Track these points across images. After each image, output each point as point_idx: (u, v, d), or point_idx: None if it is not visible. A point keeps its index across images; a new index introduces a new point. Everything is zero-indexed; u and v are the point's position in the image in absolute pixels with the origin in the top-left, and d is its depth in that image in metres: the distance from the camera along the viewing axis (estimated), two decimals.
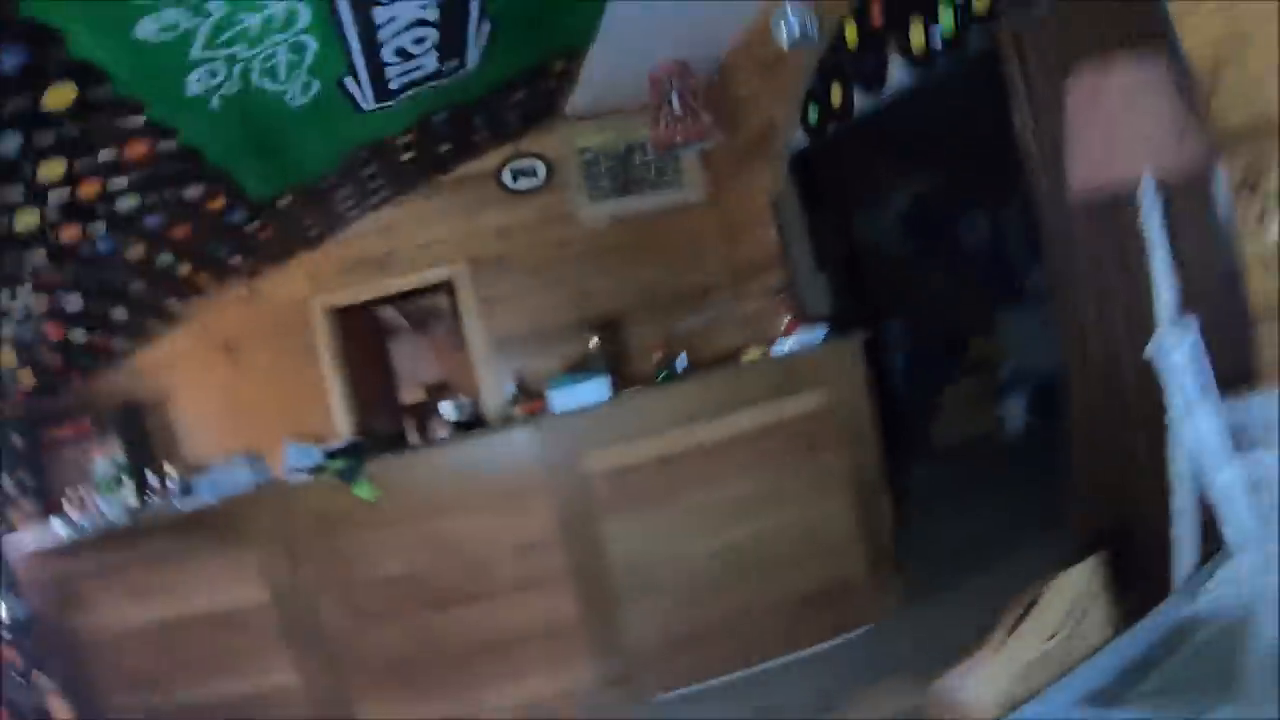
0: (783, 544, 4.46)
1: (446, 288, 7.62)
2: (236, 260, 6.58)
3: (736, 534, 4.41)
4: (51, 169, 3.89)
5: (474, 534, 4.30)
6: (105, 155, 4.03)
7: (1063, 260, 3.87)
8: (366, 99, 4.78)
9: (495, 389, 7.28)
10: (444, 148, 6.61)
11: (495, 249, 7.41)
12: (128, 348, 7.16)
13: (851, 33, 5.31)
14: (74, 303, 5.60)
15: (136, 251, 5.30)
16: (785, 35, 4.74)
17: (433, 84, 5.01)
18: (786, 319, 4.97)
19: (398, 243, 7.35)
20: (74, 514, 5.20)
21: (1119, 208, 3.20)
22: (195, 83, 3.77)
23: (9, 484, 6.72)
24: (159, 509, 4.82)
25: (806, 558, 4.49)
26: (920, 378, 9.15)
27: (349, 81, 4.48)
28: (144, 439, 7.33)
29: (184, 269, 6.08)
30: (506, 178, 7.42)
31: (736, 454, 4.41)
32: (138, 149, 4.10)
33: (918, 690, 2.96)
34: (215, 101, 3.99)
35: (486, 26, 4.61)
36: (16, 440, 6.99)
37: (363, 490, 4.22)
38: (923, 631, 4.22)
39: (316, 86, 4.35)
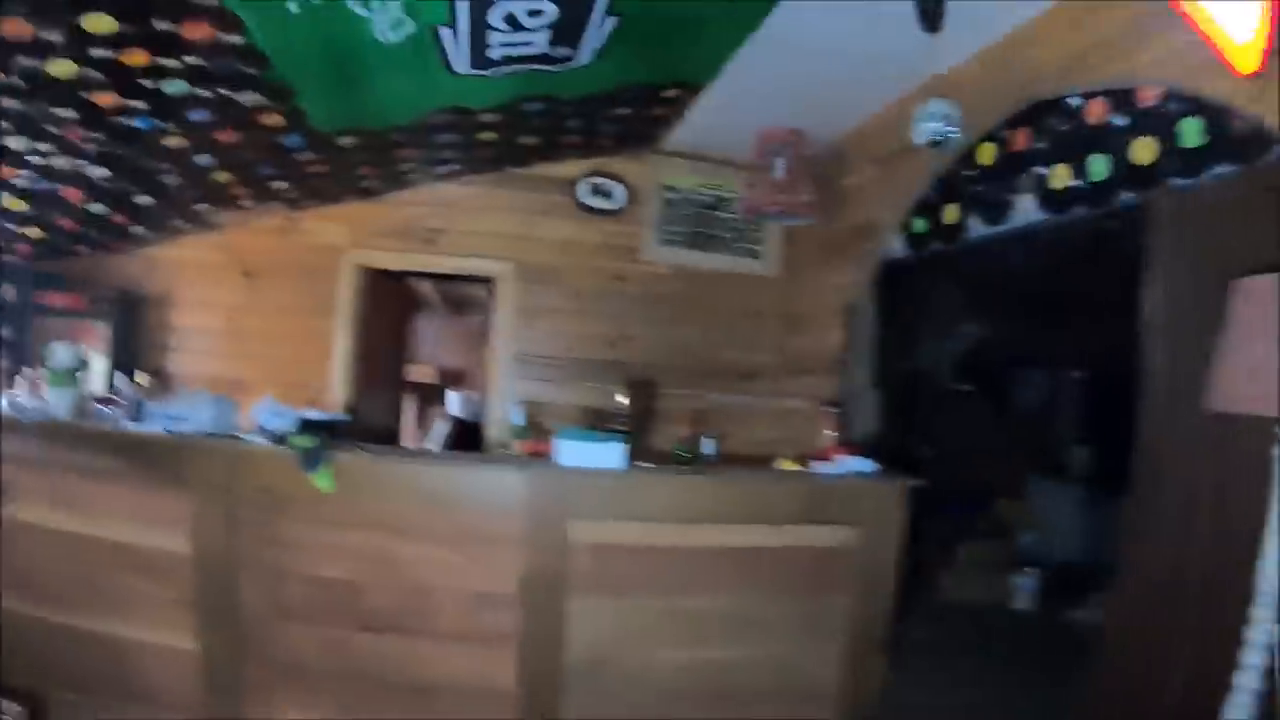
0: (760, 676, 3.99)
1: (488, 283, 7.18)
2: (280, 186, 6.19)
3: (712, 653, 3.95)
4: (97, 22, 3.53)
5: (429, 564, 3.84)
6: (160, 25, 3.64)
7: (1157, 458, 3.65)
8: (461, 59, 4.36)
9: (503, 404, 6.89)
10: (528, 140, 6.19)
11: (548, 260, 7.04)
12: (145, 237, 6.86)
13: (986, 153, 4.89)
14: (98, 173, 5.26)
15: (175, 141, 4.92)
16: (923, 131, 4.28)
17: (535, 67, 4.58)
18: (829, 436, 4.52)
19: (451, 222, 6.99)
20: (23, 393, 4.94)
21: (1241, 430, 3.00)
22: None
23: None
24: (106, 420, 4.44)
25: (780, 698, 4.01)
26: (939, 523, 8.59)
27: (446, 34, 4.05)
28: (134, 333, 7.07)
29: (222, 176, 5.71)
30: (583, 191, 7.02)
31: (738, 567, 3.94)
32: (198, 31, 3.71)
33: None
34: (294, 4, 3.56)
35: (610, 24, 4.18)
36: (7, 291, 6.73)
37: (321, 480, 3.76)
38: None
39: (409, 27, 3.92)
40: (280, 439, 3.93)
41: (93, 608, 4.27)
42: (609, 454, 3.92)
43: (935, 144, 4.28)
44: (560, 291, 7.01)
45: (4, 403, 4.63)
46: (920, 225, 5.51)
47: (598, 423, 5.93)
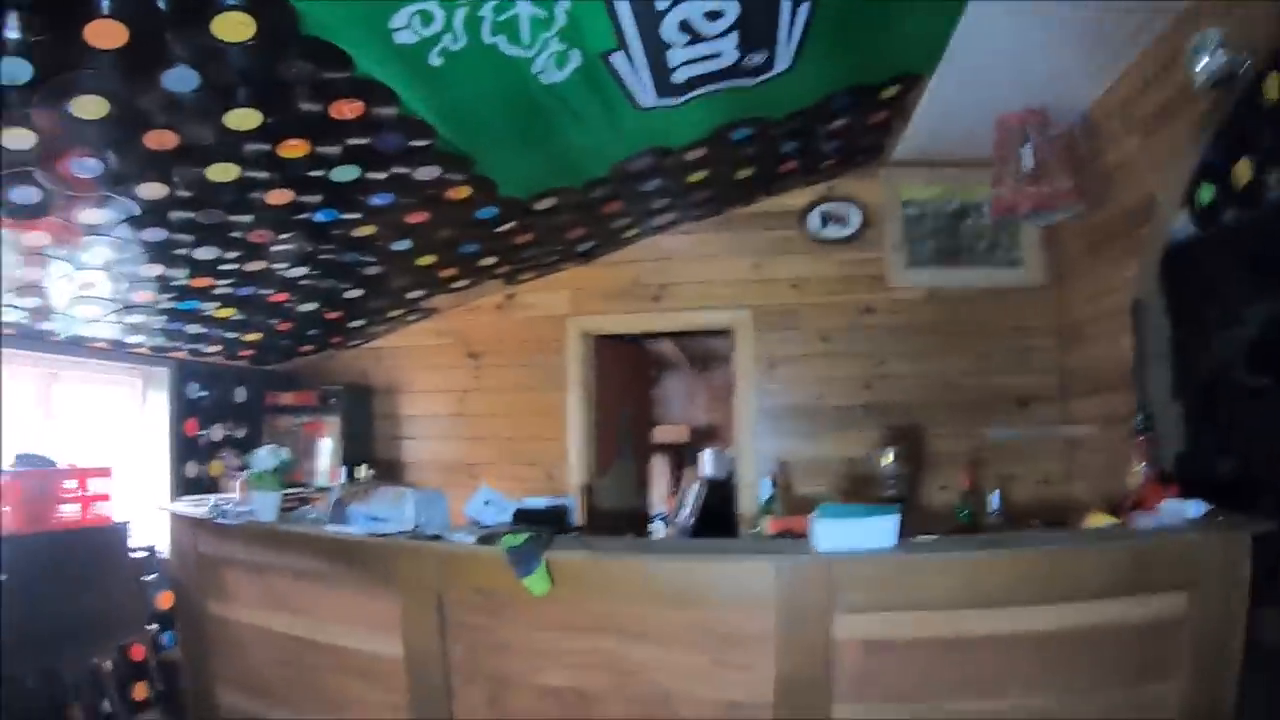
0: None
1: (726, 335, 6.67)
2: (489, 261, 5.89)
3: None
4: (239, 119, 3.29)
5: (668, 670, 3.25)
6: (307, 107, 3.34)
7: None
8: (644, 89, 3.85)
9: (752, 463, 6.34)
10: (742, 173, 5.62)
11: (786, 301, 6.39)
12: (365, 329, 6.84)
13: (1275, 86, 3.92)
14: (296, 273, 5.16)
15: (365, 230, 4.70)
16: (1204, 69, 3.49)
17: (730, 84, 4.00)
18: (1141, 472, 3.71)
19: (676, 276, 6.51)
20: (234, 496, 4.89)
21: None
22: (403, 29, 2.96)
23: (218, 434, 6.83)
24: (309, 524, 4.21)
25: None
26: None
27: (619, 61, 3.55)
28: (365, 424, 7.11)
29: (425, 259, 5.47)
30: (814, 222, 6.35)
31: (1035, 658, 3.09)
32: (347, 109, 3.39)
33: None
34: (435, 58, 3.15)
35: (804, 12, 3.56)
36: (239, 393, 7.04)
37: (535, 583, 3.25)
38: None
39: (576, 60, 3.45)
40: (489, 538, 3.49)
41: (310, 708, 4.15)
42: (878, 532, 3.13)
43: (1221, 82, 3.47)
44: (803, 334, 6.35)
45: (211, 506, 4.62)
46: (1207, 194, 4.50)
47: (860, 488, 5.25)
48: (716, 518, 7.36)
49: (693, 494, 8.58)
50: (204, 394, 6.70)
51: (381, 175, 4.03)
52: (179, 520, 4.80)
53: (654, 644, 3.24)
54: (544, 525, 3.55)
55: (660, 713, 3.24)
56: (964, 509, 4.22)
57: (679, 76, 3.79)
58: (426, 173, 4.14)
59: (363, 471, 5.41)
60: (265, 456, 4.35)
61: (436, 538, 3.63)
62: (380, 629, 3.81)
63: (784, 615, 3.09)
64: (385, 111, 3.45)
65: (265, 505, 4.27)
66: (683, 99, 4.04)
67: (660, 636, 3.23)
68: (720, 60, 3.74)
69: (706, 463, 9.35)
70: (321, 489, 5.00)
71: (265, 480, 4.30)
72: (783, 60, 3.91)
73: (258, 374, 7.17)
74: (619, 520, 6.83)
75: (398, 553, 3.73)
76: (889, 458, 5.02)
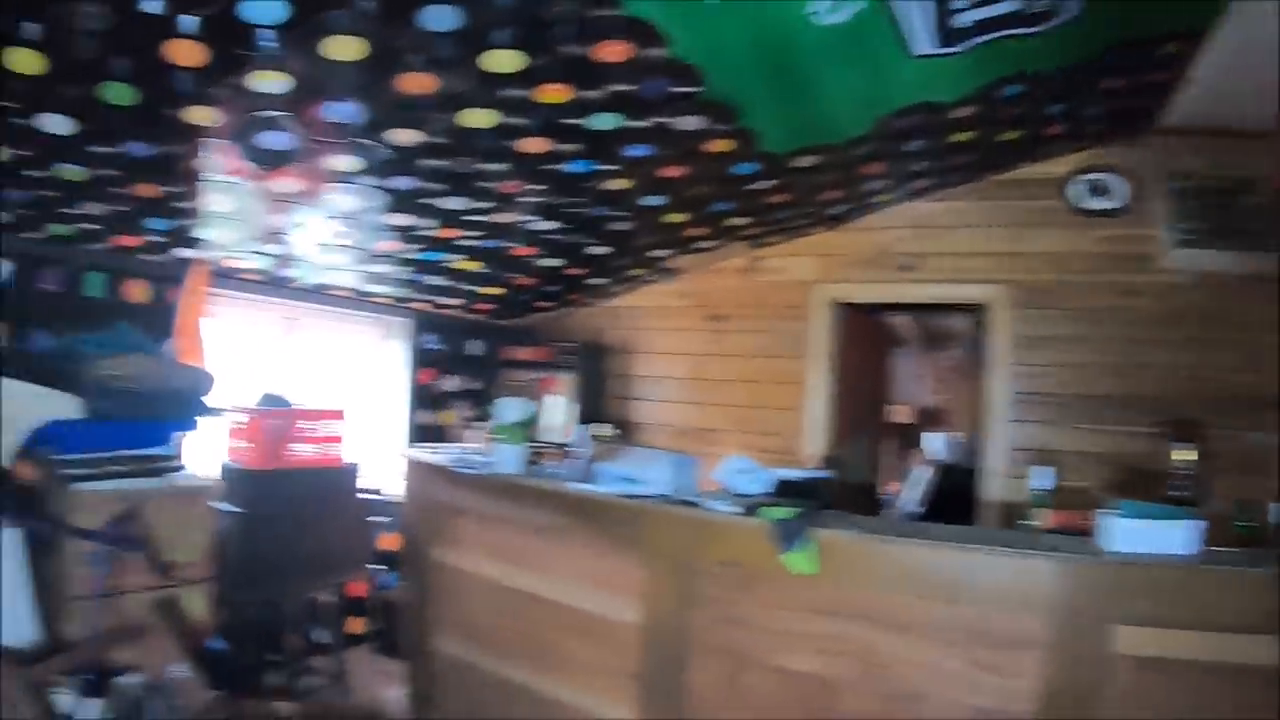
0: None
1: (974, 311, 6.35)
2: (739, 222, 5.76)
3: None
4: (499, 59, 3.24)
5: (921, 668, 3.04)
6: (569, 51, 3.26)
7: None
8: (923, 35, 3.58)
9: (1001, 452, 5.95)
10: (1007, 135, 5.24)
11: (1043, 278, 5.92)
12: (605, 287, 6.87)
13: None
14: (545, 226, 5.17)
15: (618, 183, 4.62)
16: None
17: (1008, 32, 3.70)
18: None
19: (929, 245, 6.16)
20: (475, 446, 5.16)
21: None
22: None
23: (452, 384, 7.12)
24: (556, 478, 4.17)
25: None
26: None
27: (901, 4, 3.33)
28: (598, 383, 7.19)
29: (675, 216, 5.37)
30: (1077, 191, 5.88)
31: None
32: (613, 51, 3.28)
33: None
34: None
35: None
36: (474, 346, 7.31)
37: (799, 561, 3.12)
38: None
39: (856, 2, 3.27)
40: (752, 509, 3.37)
41: (532, 664, 4.18)
42: (1179, 537, 2.83)
43: None
44: (1060, 315, 5.87)
45: (452, 455, 4.69)
46: None
47: (1136, 485, 4.85)
48: (948, 504, 7.11)
49: (922, 478, 8.32)
50: (440, 345, 6.89)
51: (643, 124, 3.92)
52: (416, 466, 4.91)
53: (908, 637, 3.05)
54: (804, 499, 3.40)
55: (905, 711, 3.06)
56: (1245, 518, 3.81)
57: (962, 20, 3.52)
58: (689, 123, 4.00)
59: (606, 430, 5.41)
60: (511, 409, 4.35)
61: (691, 503, 3.54)
62: (618, 592, 3.79)
63: (1058, 620, 2.84)
64: (653, 53, 3.32)
65: (509, 457, 4.29)
66: (961, 47, 3.74)
67: (916, 630, 3.03)
68: (1004, 4, 3.46)
69: (937, 446, 9.05)
70: (559, 445, 4.99)
71: (510, 433, 4.31)
72: (1071, 6, 3.59)
73: (493, 328, 7.31)
74: (852, 498, 6.60)
75: (648, 516, 3.67)
76: (1187, 454, 4.61)
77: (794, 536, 3.12)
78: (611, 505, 3.79)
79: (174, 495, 4.21)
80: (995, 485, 5.91)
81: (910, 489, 8.36)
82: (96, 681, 3.37)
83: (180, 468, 4.43)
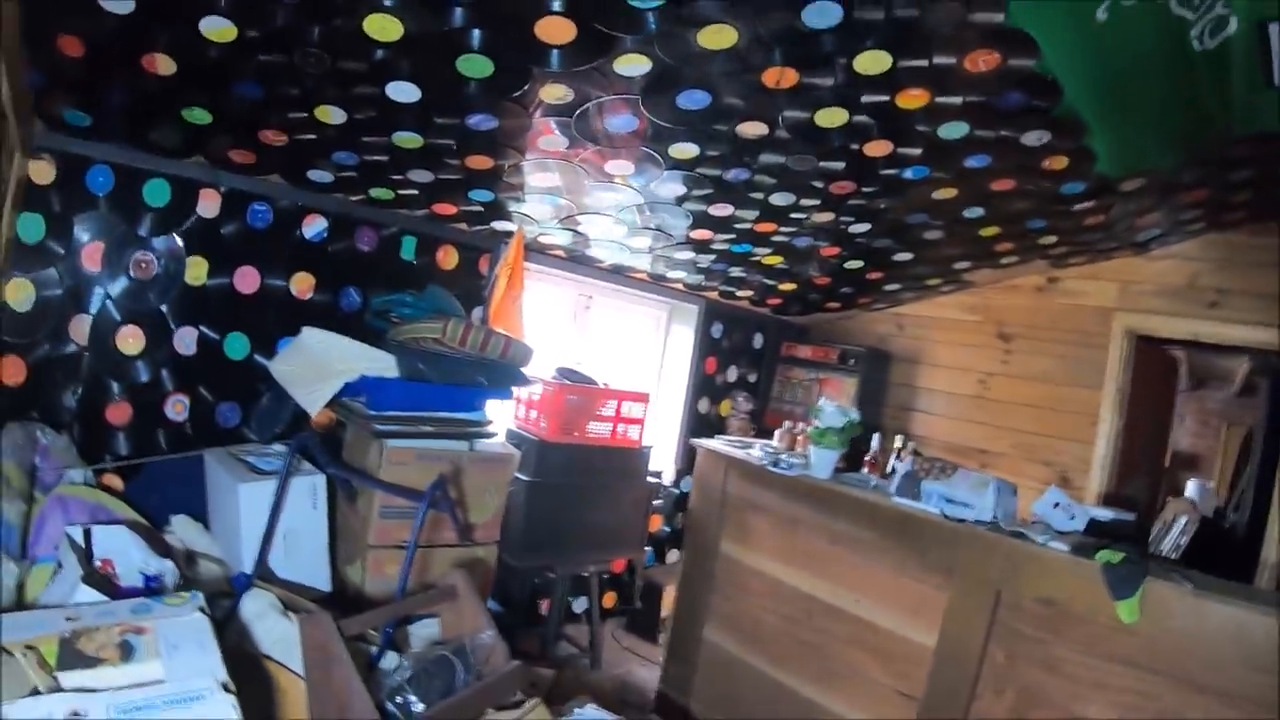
0: None
1: (1249, 352, 5.84)
2: (1048, 241, 5.53)
3: None
4: (868, 60, 3.18)
5: None
6: (941, 57, 3.18)
7: None
8: None
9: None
10: None
11: None
12: (897, 294, 6.73)
13: None
14: (860, 229, 5.10)
15: (945, 191, 4.51)
16: None
17: None
18: None
19: (1227, 281, 5.68)
20: (778, 445, 5.22)
21: None
22: None
23: (732, 374, 7.13)
24: (872, 491, 4.12)
25: None
26: None
27: (1275, 29, 3.09)
28: (879, 391, 7.05)
29: (990, 230, 5.20)
30: None
31: None
32: (984, 60, 3.19)
33: None
34: (1102, 13, 2.88)
35: None
36: (757, 339, 7.29)
37: (1127, 609, 2.97)
38: None
39: (1232, 26, 3.02)
40: (1083, 549, 3.23)
41: (805, 670, 4.23)
42: None
43: None
44: None
45: (756, 451, 4.73)
46: None
47: None
48: (1206, 556, 6.65)
49: (1179, 525, 7.82)
50: (725, 335, 6.85)
51: (988, 134, 3.80)
52: (711, 456, 4.91)
53: (1217, 704, 2.84)
54: (1118, 541, 3.25)
55: None
56: None
57: None
58: (1033, 138, 3.85)
59: (900, 443, 5.33)
60: (833, 414, 4.32)
61: (1019, 534, 3.43)
62: (919, 613, 3.74)
63: None
64: (1018, 64, 3.20)
65: (823, 461, 4.27)
66: None
67: (1231, 700, 2.80)
68: None
69: (1194, 495, 8.52)
70: (874, 454, 4.95)
71: (828, 438, 4.29)
72: None
73: (777, 323, 7.26)
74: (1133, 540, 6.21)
75: (966, 540, 3.60)
76: None
77: (1126, 583, 2.98)
78: (929, 525, 3.73)
79: (480, 460, 4.34)
80: (1274, 550, 5.35)
81: (1167, 535, 7.90)
82: (394, 636, 3.50)
83: (492, 434, 4.56)
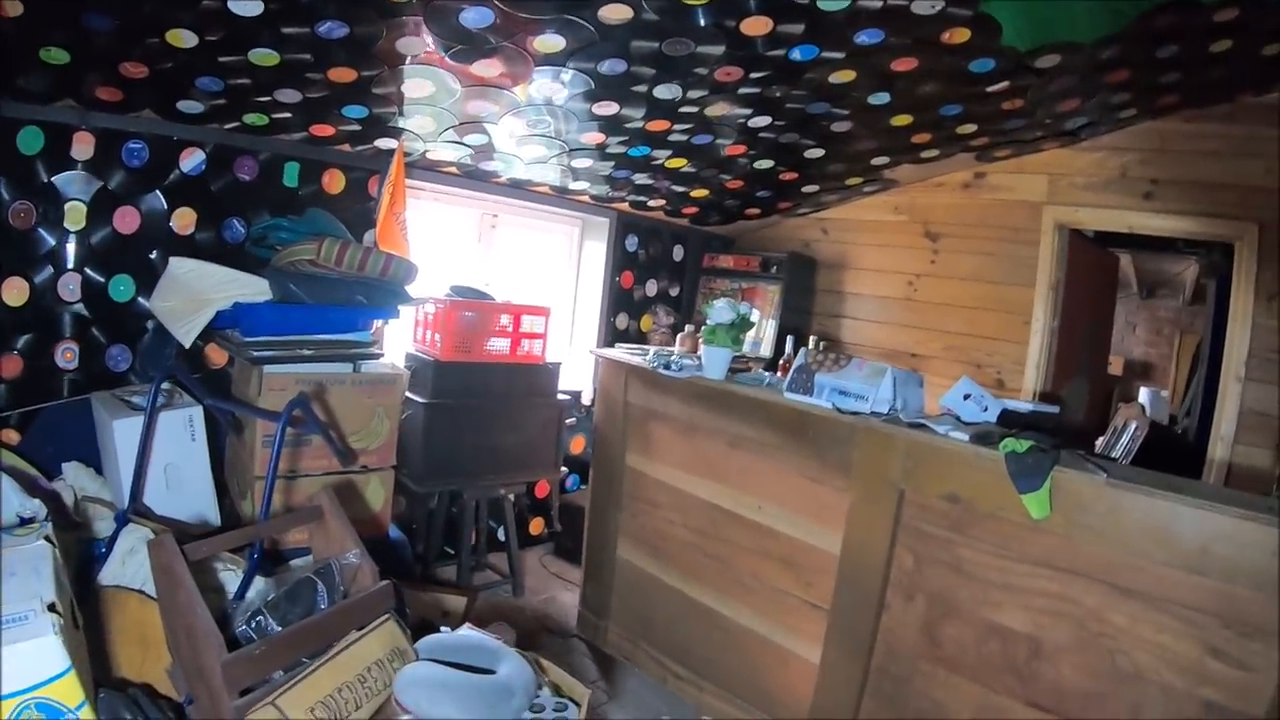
0: None
1: (1202, 258, 5.64)
2: (967, 130, 5.28)
3: None
4: None
5: (1147, 646, 2.62)
6: None
7: None
8: None
9: (1233, 411, 5.20)
10: (1272, 49, 4.42)
11: None
12: (817, 196, 6.53)
13: None
14: (759, 122, 4.87)
15: (842, 75, 4.23)
16: None
17: None
18: None
19: (1166, 170, 5.43)
20: (679, 349, 5.17)
21: None
22: None
23: (651, 289, 6.98)
24: (764, 388, 3.94)
25: None
26: None
27: None
28: (804, 298, 6.91)
29: (902, 119, 4.95)
30: None
31: None
32: None
33: None
34: None
35: None
36: (676, 251, 7.13)
37: (1035, 503, 2.77)
38: None
39: None
40: (987, 439, 3.03)
41: (718, 585, 4.11)
42: None
43: None
44: None
45: (651, 355, 4.57)
46: None
47: None
48: (1159, 464, 6.51)
49: (1130, 431, 7.71)
50: (640, 248, 6.71)
51: (875, 4, 3.51)
52: (611, 366, 4.74)
53: (1141, 607, 2.64)
54: (1037, 433, 3.02)
55: (1120, 692, 2.69)
56: None
57: None
58: (925, 5, 3.56)
59: (811, 344, 5.16)
60: (723, 309, 4.11)
61: (918, 425, 3.21)
62: (820, 518, 3.58)
63: None
64: None
65: (715, 361, 4.08)
66: None
67: (1152, 600, 2.61)
68: None
69: (1146, 402, 8.46)
70: (759, 358, 4.78)
71: (719, 335, 4.09)
72: None
73: (696, 234, 7.12)
74: (1075, 446, 6.06)
75: (864, 436, 3.39)
76: None
77: (1032, 474, 2.77)
78: (825, 421, 3.53)
79: (365, 382, 4.16)
80: (1220, 449, 5.24)
81: (1117, 442, 7.80)
82: (264, 560, 3.35)
83: (378, 355, 4.38)
